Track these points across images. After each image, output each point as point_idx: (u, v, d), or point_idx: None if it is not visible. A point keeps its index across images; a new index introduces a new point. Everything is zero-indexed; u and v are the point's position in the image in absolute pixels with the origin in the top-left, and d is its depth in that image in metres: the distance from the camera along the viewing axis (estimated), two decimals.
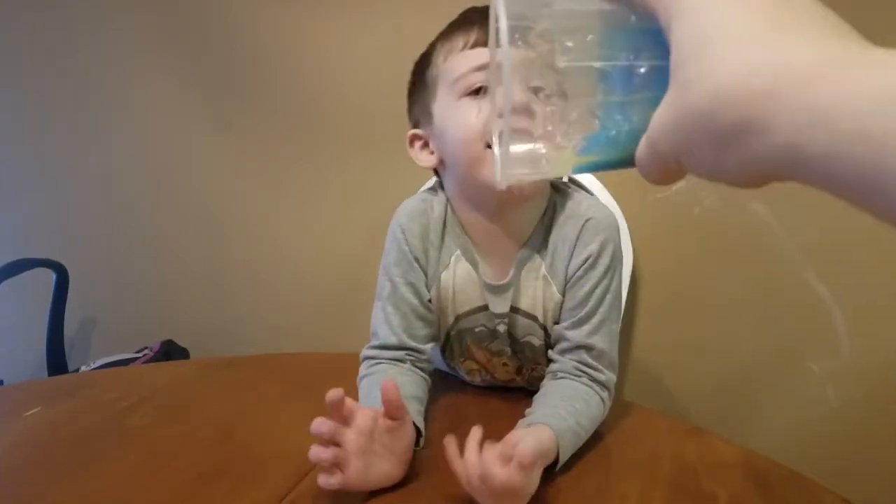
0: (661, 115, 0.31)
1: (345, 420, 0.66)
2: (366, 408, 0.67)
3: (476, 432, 0.66)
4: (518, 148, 0.35)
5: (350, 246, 1.66)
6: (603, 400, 0.81)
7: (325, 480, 0.64)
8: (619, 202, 1.34)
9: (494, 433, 0.70)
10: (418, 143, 0.88)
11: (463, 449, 0.65)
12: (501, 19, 0.33)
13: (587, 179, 1.36)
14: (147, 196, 1.91)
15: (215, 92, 1.78)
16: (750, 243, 1.33)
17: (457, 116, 0.80)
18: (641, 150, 0.33)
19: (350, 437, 0.65)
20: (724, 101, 0.27)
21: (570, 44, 0.34)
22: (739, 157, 0.28)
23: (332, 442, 0.65)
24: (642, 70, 0.33)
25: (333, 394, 0.65)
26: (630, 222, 1.33)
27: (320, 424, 0.64)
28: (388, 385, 0.67)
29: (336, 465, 0.65)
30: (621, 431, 0.85)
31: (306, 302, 1.77)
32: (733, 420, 1.33)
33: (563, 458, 0.72)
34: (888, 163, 0.23)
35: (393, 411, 0.68)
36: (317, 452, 0.64)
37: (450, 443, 0.66)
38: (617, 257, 0.85)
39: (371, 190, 1.61)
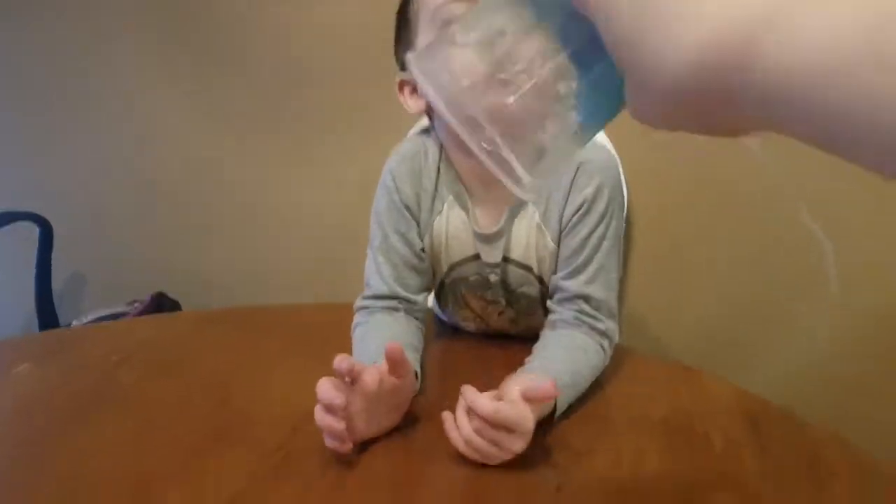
0: (634, 104, 0.29)
1: (351, 381, 0.65)
2: (371, 367, 0.65)
3: (462, 402, 0.65)
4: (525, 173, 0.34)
5: (342, 195, 1.64)
6: (603, 348, 0.80)
7: (341, 447, 0.62)
8: (614, 144, 1.32)
9: (491, 380, 0.70)
10: (407, 89, 0.84)
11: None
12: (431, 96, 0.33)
13: None
14: (134, 149, 1.88)
15: (201, 42, 1.72)
16: (744, 186, 1.32)
17: None
18: (631, 114, 0.31)
19: (356, 399, 0.64)
20: (705, 56, 0.25)
21: (519, 67, 0.33)
22: (727, 113, 0.26)
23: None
24: (587, 47, 0.32)
25: (343, 363, 0.63)
26: (625, 167, 1.31)
27: (332, 395, 0.61)
28: (392, 346, 0.66)
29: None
30: (616, 376, 0.85)
31: (298, 253, 1.76)
32: (727, 362, 1.34)
33: (561, 409, 0.72)
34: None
35: (397, 371, 0.67)
36: (329, 422, 0.61)
37: (447, 418, 0.65)
38: (615, 201, 0.82)
39: (363, 138, 1.57)
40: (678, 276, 1.42)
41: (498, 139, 0.33)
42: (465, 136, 0.33)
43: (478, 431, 0.62)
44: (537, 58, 0.33)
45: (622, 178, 0.86)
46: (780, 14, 0.23)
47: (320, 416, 0.62)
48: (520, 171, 0.34)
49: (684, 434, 0.72)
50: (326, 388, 0.62)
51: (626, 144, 1.30)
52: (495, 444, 0.62)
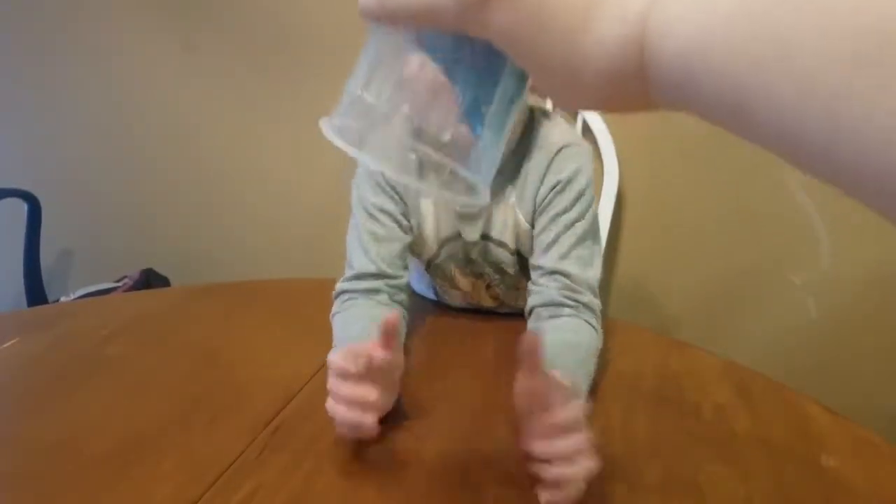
0: (561, 97, 0.31)
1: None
2: (379, 352, 0.62)
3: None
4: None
5: (328, 173, 1.63)
6: (593, 326, 0.78)
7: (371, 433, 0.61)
8: (606, 120, 1.31)
9: (477, 355, 0.70)
10: None
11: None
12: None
13: None
14: (123, 126, 1.85)
15: (192, 19, 1.70)
16: (733, 157, 1.31)
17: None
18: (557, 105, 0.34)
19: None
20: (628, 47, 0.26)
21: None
22: (650, 97, 0.28)
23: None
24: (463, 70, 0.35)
25: (350, 364, 0.60)
26: (616, 141, 1.30)
27: (365, 391, 0.60)
28: (390, 317, 0.63)
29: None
30: (606, 347, 0.84)
31: (287, 227, 1.75)
32: (716, 333, 1.35)
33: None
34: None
35: (388, 342, 0.63)
36: (357, 419, 0.60)
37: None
38: (589, 186, 0.82)
39: None
40: (668, 249, 1.42)
41: (455, 166, 0.37)
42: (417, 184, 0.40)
43: (545, 458, 0.56)
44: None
45: (609, 155, 0.85)
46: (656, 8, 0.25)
47: (346, 413, 0.60)
48: (475, 180, 0.37)
49: (674, 404, 0.72)
50: (350, 386, 0.60)
51: (618, 119, 1.30)
52: (564, 459, 0.55)
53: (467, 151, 0.37)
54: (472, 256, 0.88)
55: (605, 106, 0.30)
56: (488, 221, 0.85)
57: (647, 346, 0.89)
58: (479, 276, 0.90)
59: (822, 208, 1.27)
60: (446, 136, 0.37)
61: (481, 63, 0.34)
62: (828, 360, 1.31)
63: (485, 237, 0.86)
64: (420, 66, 0.36)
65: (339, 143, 0.37)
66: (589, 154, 0.84)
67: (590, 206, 0.82)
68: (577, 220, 0.81)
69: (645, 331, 0.95)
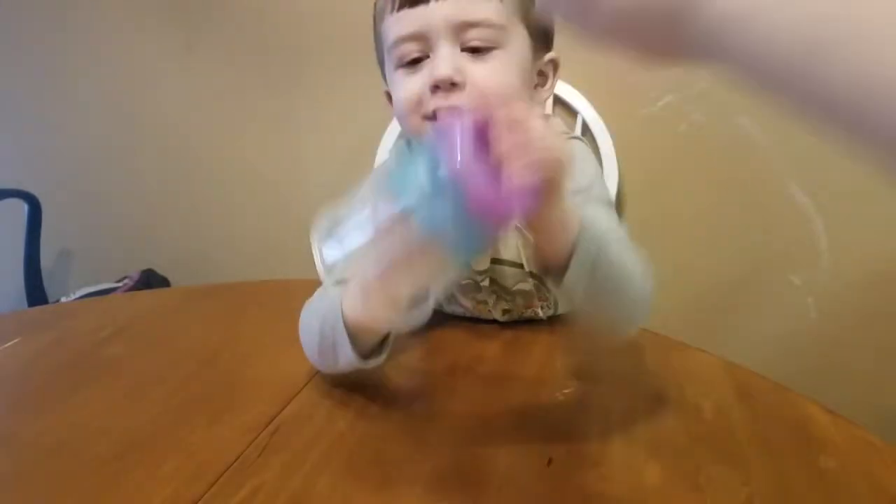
0: (588, 21, 0.30)
1: None
2: None
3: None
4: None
5: (330, 169, 1.63)
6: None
7: None
8: (605, 120, 1.31)
9: (481, 356, 0.69)
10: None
11: None
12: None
13: (574, 97, 1.33)
14: (122, 127, 1.85)
15: (193, 19, 1.70)
16: (733, 157, 1.31)
17: (395, 89, 0.74)
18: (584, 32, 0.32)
19: None
20: None
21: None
22: (673, 37, 0.27)
23: None
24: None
25: None
26: (615, 142, 1.30)
27: None
28: None
29: None
30: (604, 349, 0.85)
31: (286, 227, 1.74)
32: (716, 333, 1.35)
33: (579, 258, 0.58)
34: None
35: None
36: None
37: None
38: (593, 179, 0.77)
39: (345, 110, 1.56)
40: (667, 249, 1.42)
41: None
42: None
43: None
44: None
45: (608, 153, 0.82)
46: None
47: None
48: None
49: (674, 405, 0.72)
50: None
51: (617, 120, 1.30)
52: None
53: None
54: (481, 285, 0.85)
55: (621, 32, 0.27)
56: (497, 246, 0.82)
57: (647, 346, 0.89)
58: (483, 302, 0.88)
59: (822, 208, 1.27)
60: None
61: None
62: (828, 360, 1.31)
63: (497, 261, 0.83)
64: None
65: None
66: (584, 149, 0.82)
67: (597, 181, 0.78)
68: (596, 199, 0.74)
69: (645, 331, 0.95)
